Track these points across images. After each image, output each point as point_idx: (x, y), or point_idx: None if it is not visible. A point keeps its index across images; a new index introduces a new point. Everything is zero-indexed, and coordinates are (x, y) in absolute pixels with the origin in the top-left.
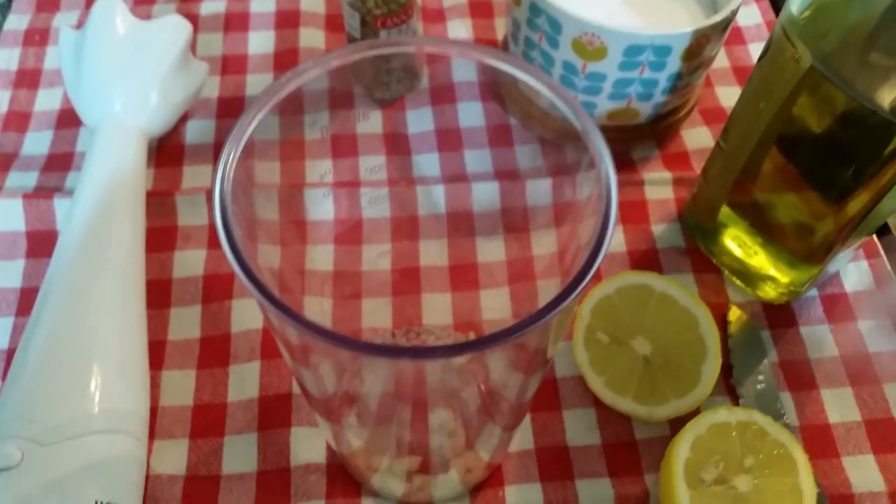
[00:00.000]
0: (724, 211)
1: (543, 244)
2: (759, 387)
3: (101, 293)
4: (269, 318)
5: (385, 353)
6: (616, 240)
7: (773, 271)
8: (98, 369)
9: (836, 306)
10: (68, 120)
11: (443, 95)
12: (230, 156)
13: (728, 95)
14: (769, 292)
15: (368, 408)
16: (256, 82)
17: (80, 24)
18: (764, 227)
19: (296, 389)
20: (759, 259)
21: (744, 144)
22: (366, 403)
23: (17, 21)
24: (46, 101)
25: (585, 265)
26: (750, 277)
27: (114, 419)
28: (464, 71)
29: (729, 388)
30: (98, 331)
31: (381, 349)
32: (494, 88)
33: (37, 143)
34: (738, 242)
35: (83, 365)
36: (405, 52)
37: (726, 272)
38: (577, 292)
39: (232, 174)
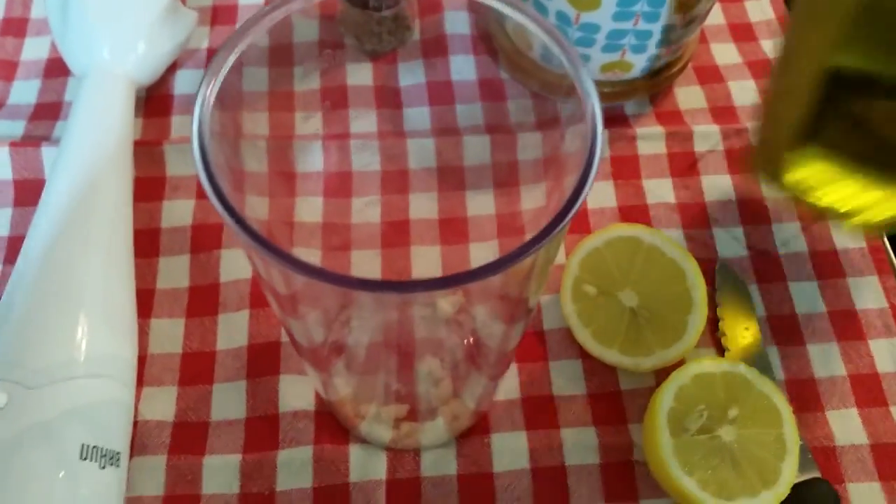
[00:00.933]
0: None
1: (532, 198)
2: (744, 340)
3: (88, 240)
4: (255, 261)
5: (371, 288)
6: (607, 194)
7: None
8: (85, 315)
9: (825, 262)
10: (56, 69)
11: (435, 48)
12: (210, 83)
13: (723, 53)
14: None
15: (356, 356)
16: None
17: None
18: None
19: (284, 338)
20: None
21: None
22: (353, 352)
23: None
24: (34, 51)
25: (572, 195)
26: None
27: (100, 364)
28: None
29: (715, 341)
30: (85, 277)
31: (367, 283)
32: (487, 42)
33: (24, 92)
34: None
35: (70, 310)
36: None
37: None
38: (562, 225)
39: (212, 100)
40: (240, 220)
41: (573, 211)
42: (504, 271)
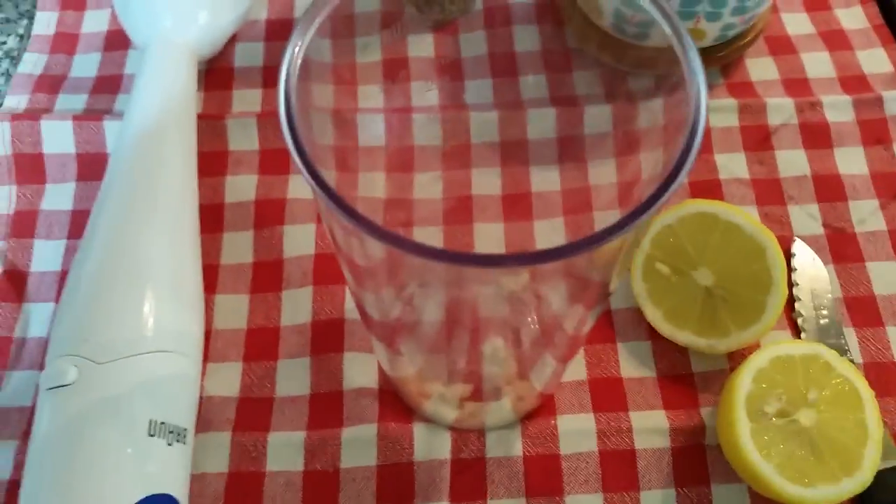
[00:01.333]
0: None
1: (602, 174)
2: (822, 322)
3: (154, 215)
4: (336, 232)
5: (455, 260)
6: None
7: None
8: (152, 290)
9: None
10: (116, 42)
11: (497, 17)
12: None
13: (795, 23)
14: None
15: (426, 333)
16: (305, 3)
17: None
18: None
19: (348, 316)
20: None
21: None
22: (424, 328)
23: None
24: (94, 23)
25: (670, 175)
26: None
27: (168, 339)
28: None
29: (790, 321)
30: (152, 252)
31: (452, 256)
32: (552, 10)
33: (85, 65)
34: None
35: (137, 285)
36: None
37: None
38: (663, 198)
39: (297, 71)
40: (329, 192)
41: (675, 184)
42: (598, 247)
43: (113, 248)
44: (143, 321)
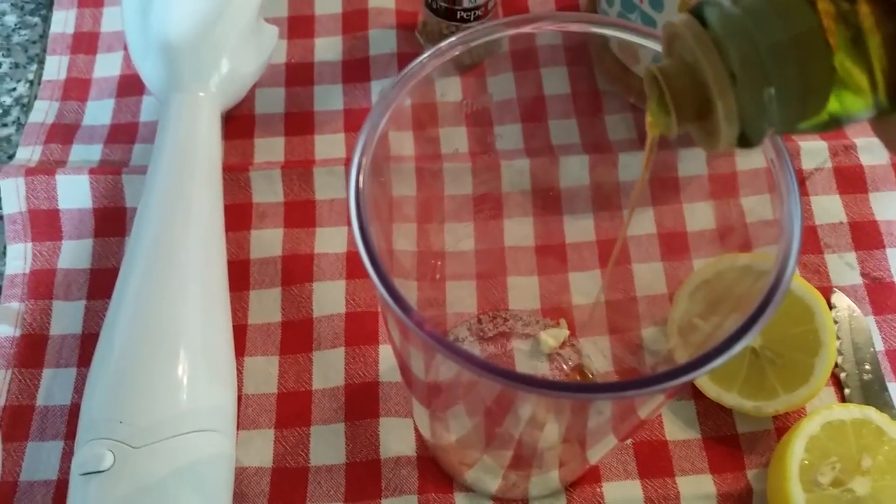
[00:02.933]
0: None
1: (640, 224)
2: (865, 377)
3: (184, 278)
4: (403, 344)
5: (547, 387)
6: (705, 215)
7: None
8: (186, 362)
9: None
10: (129, 87)
11: (525, 61)
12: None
13: None
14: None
15: (475, 407)
16: (325, 46)
17: None
18: None
19: (383, 378)
20: None
21: None
22: (473, 403)
23: None
24: (106, 67)
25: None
26: None
27: (204, 417)
28: (546, 32)
29: (834, 378)
30: (183, 319)
31: (541, 383)
32: (581, 52)
33: (99, 112)
34: None
35: (170, 359)
36: (501, 36)
37: None
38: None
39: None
40: (411, 313)
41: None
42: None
43: (143, 317)
44: (179, 398)
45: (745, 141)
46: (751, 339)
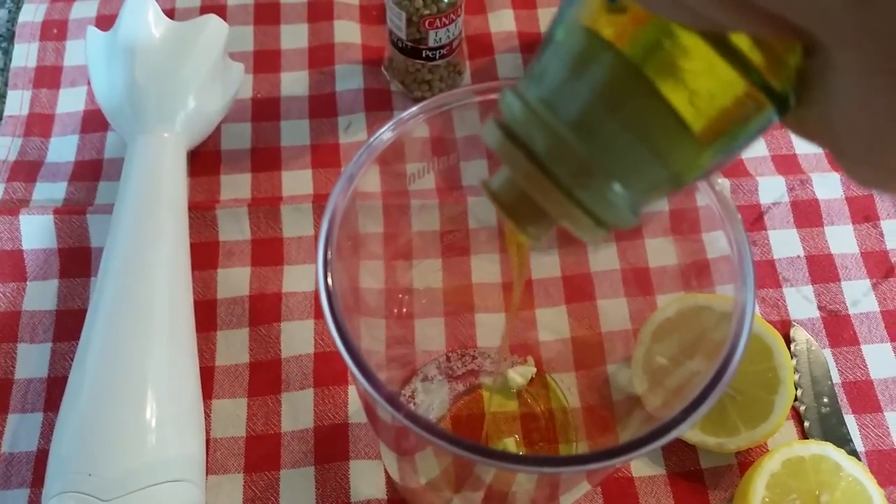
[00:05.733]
0: None
1: (603, 260)
2: (823, 410)
3: (151, 323)
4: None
5: (512, 461)
6: (666, 251)
7: None
8: (154, 411)
9: None
10: (94, 122)
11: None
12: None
13: None
14: None
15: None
16: (292, 81)
17: (98, 15)
18: None
19: (352, 419)
20: None
21: None
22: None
23: (33, 12)
24: (69, 102)
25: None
26: None
27: (173, 467)
28: (506, 64)
29: (794, 412)
30: (151, 365)
31: (508, 457)
32: None
33: (62, 148)
34: None
35: (138, 407)
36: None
37: None
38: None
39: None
40: (393, 401)
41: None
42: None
43: (110, 364)
44: (148, 447)
45: (628, 220)
46: (692, 424)
